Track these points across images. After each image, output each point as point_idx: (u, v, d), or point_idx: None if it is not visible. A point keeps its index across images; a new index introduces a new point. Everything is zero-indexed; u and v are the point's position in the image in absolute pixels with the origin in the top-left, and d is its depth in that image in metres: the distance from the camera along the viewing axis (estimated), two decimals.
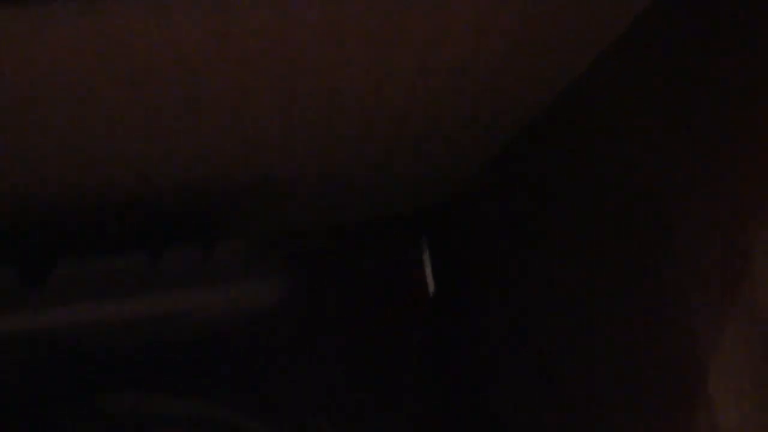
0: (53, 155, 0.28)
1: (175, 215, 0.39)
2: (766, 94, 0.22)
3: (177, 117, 0.27)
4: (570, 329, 0.34)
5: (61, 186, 0.32)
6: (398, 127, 0.33)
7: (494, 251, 0.43)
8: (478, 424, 0.49)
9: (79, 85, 0.23)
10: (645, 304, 0.28)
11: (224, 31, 0.22)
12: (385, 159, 0.37)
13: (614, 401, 0.31)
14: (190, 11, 0.20)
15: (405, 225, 0.52)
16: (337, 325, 0.51)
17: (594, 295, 0.31)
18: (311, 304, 0.50)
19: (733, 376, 0.24)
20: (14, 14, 0.19)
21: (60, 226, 0.37)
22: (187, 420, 0.44)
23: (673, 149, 0.25)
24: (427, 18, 0.23)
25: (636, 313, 0.28)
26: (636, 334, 0.29)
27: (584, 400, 0.34)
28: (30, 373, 0.39)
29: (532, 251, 0.37)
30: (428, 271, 0.52)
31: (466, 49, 0.26)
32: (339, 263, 0.51)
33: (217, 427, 0.44)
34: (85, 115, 0.25)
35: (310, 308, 0.50)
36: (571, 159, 0.32)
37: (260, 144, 0.31)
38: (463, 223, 0.48)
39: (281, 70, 0.25)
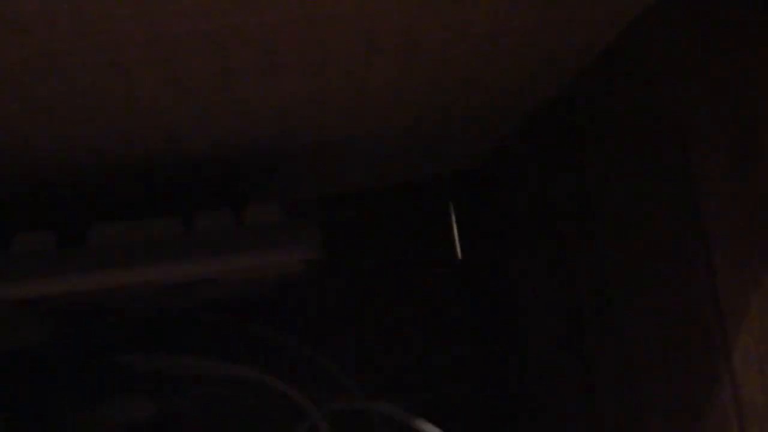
0: (87, 122, 0.29)
1: (206, 181, 0.40)
2: None
3: (206, 86, 0.27)
4: (598, 293, 0.34)
5: (96, 153, 0.32)
6: (427, 94, 0.33)
7: (521, 216, 0.43)
8: (505, 384, 0.50)
9: (109, 51, 0.23)
10: (672, 273, 0.28)
11: (254, 4, 0.22)
12: (413, 126, 0.37)
13: (640, 367, 0.31)
14: None
15: (433, 190, 0.53)
16: (366, 288, 0.51)
17: (622, 262, 0.32)
18: (340, 268, 0.51)
19: (757, 352, 0.24)
20: None
21: (95, 193, 0.38)
22: (216, 379, 0.45)
23: (706, 123, 0.25)
24: None
25: (663, 282, 0.29)
26: (663, 303, 0.29)
27: (611, 365, 0.34)
28: (65, 332, 0.40)
29: (559, 217, 0.37)
30: (456, 235, 0.53)
31: (499, 15, 0.26)
32: (368, 228, 0.52)
33: (248, 387, 0.45)
34: (116, 80, 0.25)
35: (338, 271, 0.51)
36: (601, 126, 0.32)
37: (290, 110, 0.32)
38: (491, 189, 0.48)
39: (310, 38, 0.25)
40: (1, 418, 0.37)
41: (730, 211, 0.24)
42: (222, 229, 0.34)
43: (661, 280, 0.29)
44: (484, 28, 0.26)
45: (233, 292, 0.42)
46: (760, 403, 0.24)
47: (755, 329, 0.24)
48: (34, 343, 0.38)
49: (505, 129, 0.41)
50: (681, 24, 0.25)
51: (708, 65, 0.24)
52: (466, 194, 0.52)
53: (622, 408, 0.33)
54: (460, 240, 0.52)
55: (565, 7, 0.26)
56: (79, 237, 0.35)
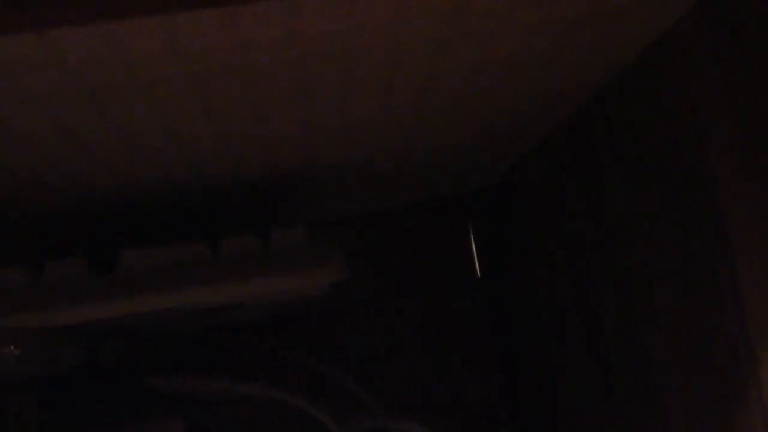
0: (117, 149, 0.29)
1: (232, 205, 0.40)
2: None
3: (237, 113, 0.28)
4: (619, 310, 0.35)
5: (128, 180, 0.33)
6: (448, 117, 0.33)
7: (540, 234, 0.43)
8: (527, 401, 0.50)
9: (144, 82, 0.24)
10: (696, 288, 0.28)
11: (290, 36, 0.22)
12: (432, 147, 0.38)
13: (665, 385, 0.31)
14: (259, 19, 0.21)
15: (451, 209, 0.53)
16: (385, 308, 0.52)
17: (645, 278, 0.32)
18: (363, 287, 0.51)
19: None
20: (94, 20, 0.20)
21: (124, 219, 0.39)
22: (243, 400, 0.45)
23: (728, 137, 0.25)
24: (482, 12, 0.24)
25: (687, 296, 0.29)
26: (687, 317, 0.29)
27: (634, 381, 0.34)
28: (93, 355, 0.40)
29: (578, 232, 0.38)
30: (475, 254, 0.53)
31: (516, 46, 0.26)
32: (387, 247, 0.52)
33: (273, 407, 0.46)
34: (147, 110, 0.26)
35: (362, 291, 0.51)
36: (618, 143, 0.32)
37: (316, 135, 0.32)
38: (510, 207, 0.48)
39: (340, 68, 0.25)
40: None
41: (754, 225, 0.25)
42: (249, 253, 0.34)
43: (684, 294, 0.29)
44: (506, 56, 0.27)
45: (258, 313, 0.42)
46: None
47: None
48: (63, 368, 0.38)
49: (524, 147, 0.42)
50: (699, 43, 0.25)
51: (727, 82, 0.24)
52: (484, 212, 0.52)
53: (645, 425, 0.33)
54: (479, 258, 0.53)
55: (586, 32, 0.26)
56: (108, 263, 0.36)
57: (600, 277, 0.36)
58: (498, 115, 0.34)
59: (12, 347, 0.33)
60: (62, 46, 0.20)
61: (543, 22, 0.25)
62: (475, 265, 0.53)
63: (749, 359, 0.26)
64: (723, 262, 0.26)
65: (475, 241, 0.53)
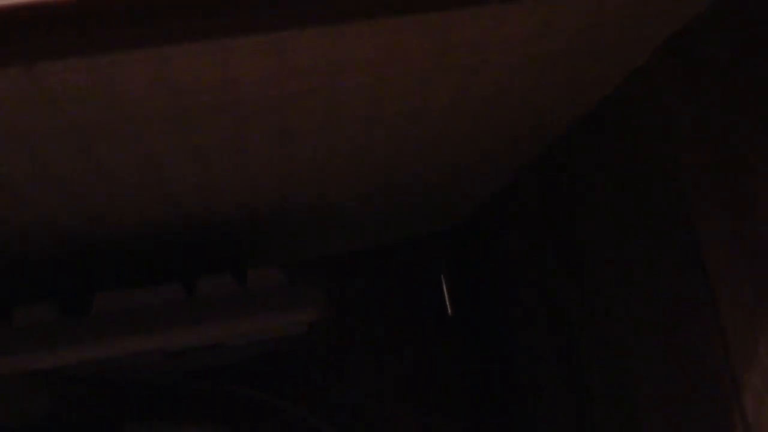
0: (97, 187, 0.29)
1: (210, 245, 0.40)
2: None
3: (216, 154, 0.28)
4: (599, 343, 0.35)
5: (101, 219, 0.32)
6: (425, 155, 0.33)
7: (512, 271, 0.43)
8: None
9: (131, 118, 0.24)
10: (678, 319, 0.28)
11: (275, 74, 0.22)
12: (409, 184, 0.38)
13: (647, 413, 0.31)
14: (245, 55, 0.21)
15: (422, 248, 0.53)
16: (358, 346, 0.51)
17: (625, 310, 0.32)
18: (338, 327, 0.51)
19: (766, 393, 0.24)
20: (82, 58, 0.19)
21: (98, 261, 0.38)
22: None
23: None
24: (465, 48, 0.24)
25: (669, 328, 0.29)
26: (670, 349, 0.29)
27: (615, 412, 0.34)
28: (69, 402, 0.39)
29: (551, 270, 0.38)
30: (446, 292, 0.53)
31: (494, 84, 0.27)
32: (359, 287, 0.52)
33: None
34: (132, 147, 0.26)
35: (337, 330, 0.51)
36: (591, 180, 0.33)
37: (294, 176, 0.32)
38: (481, 244, 0.48)
39: (321, 107, 0.26)
40: None
41: (730, 255, 0.25)
42: (225, 294, 0.34)
43: (667, 324, 0.29)
44: (484, 93, 0.27)
45: (237, 356, 0.42)
46: None
47: (765, 370, 0.24)
48: (39, 416, 0.37)
49: (495, 185, 0.42)
50: (669, 81, 0.26)
51: (697, 118, 0.25)
52: (455, 250, 0.53)
53: None
54: (450, 296, 0.53)
55: (563, 69, 0.27)
56: (82, 305, 0.35)
57: (579, 311, 0.37)
58: (472, 152, 0.35)
59: None
60: (49, 81, 0.20)
61: (521, 60, 0.25)
62: (446, 304, 0.53)
63: (733, 386, 0.26)
64: (703, 292, 0.27)
65: (446, 280, 0.53)
